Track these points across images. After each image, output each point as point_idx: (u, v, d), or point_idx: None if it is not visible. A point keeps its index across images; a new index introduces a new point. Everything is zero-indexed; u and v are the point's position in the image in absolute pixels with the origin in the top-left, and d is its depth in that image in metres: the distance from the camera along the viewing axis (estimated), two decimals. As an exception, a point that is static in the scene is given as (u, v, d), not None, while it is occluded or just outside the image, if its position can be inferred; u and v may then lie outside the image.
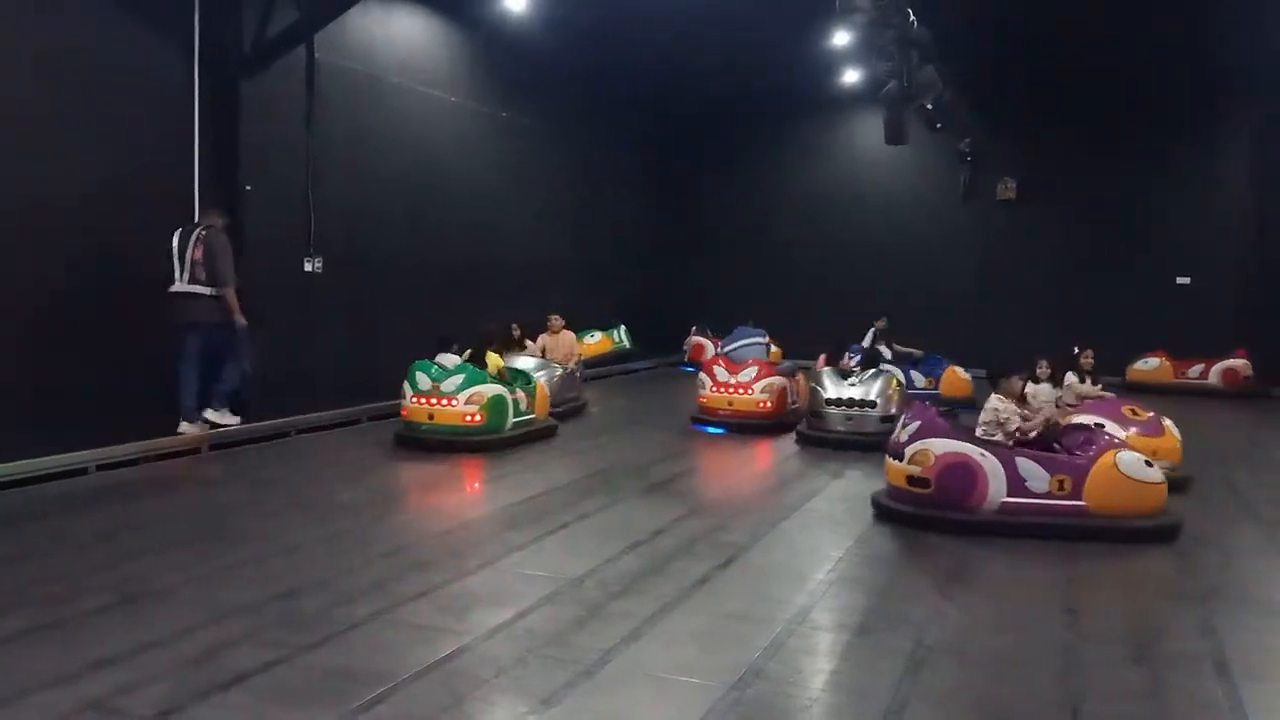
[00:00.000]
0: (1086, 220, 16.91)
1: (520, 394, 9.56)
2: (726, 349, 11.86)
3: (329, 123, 10.56)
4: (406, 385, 9.14)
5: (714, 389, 10.69)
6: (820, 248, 18.75)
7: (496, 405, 9.10)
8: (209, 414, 8.75)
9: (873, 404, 9.78)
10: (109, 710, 3.54)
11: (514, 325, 12.06)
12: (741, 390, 10.54)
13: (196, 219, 8.67)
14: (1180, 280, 16.52)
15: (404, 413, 9.17)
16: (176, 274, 8.36)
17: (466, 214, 13.17)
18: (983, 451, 6.40)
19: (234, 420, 8.92)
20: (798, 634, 4.47)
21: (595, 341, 16.48)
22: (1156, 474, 6.42)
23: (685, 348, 17.82)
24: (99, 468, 7.62)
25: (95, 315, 8.29)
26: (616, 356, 16.78)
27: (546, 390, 10.27)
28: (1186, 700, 3.89)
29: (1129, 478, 6.30)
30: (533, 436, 9.56)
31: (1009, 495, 6.32)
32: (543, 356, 11.79)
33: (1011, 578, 5.59)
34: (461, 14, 12.96)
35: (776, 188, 19.13)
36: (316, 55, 10.23)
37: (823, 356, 11.31)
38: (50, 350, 7.92)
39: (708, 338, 17.79)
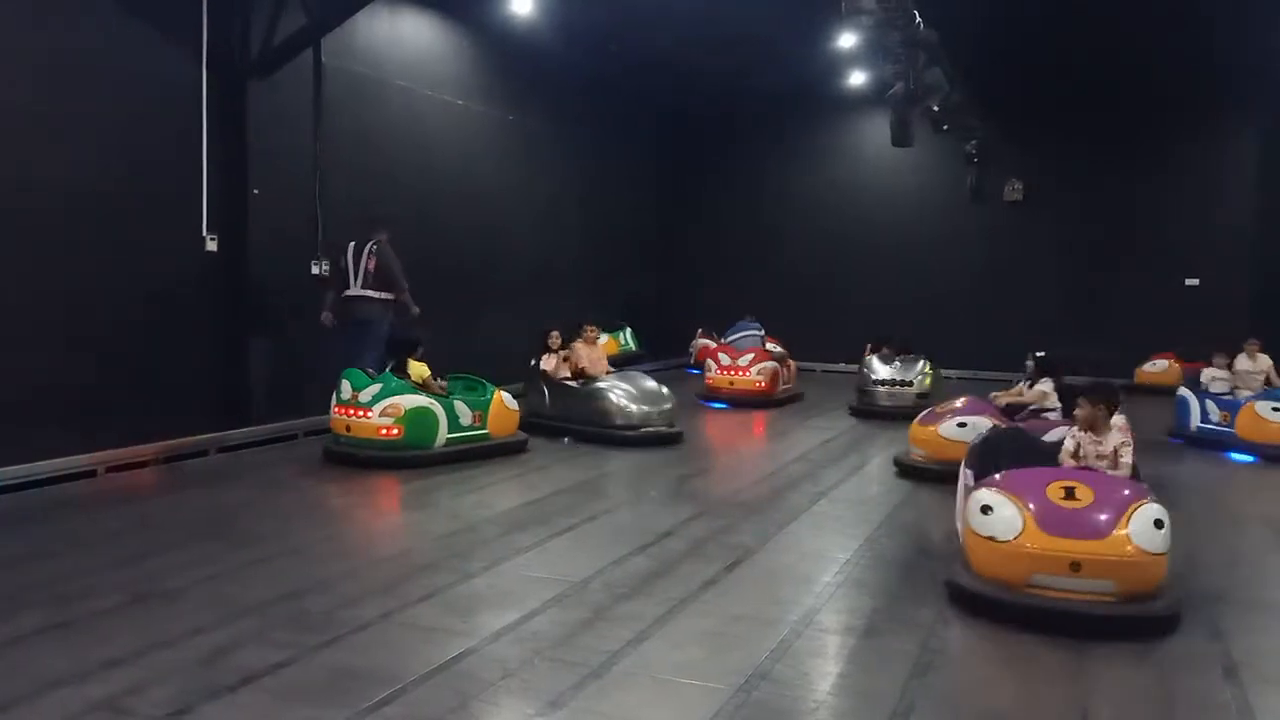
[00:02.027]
0: (1094, 221, 16.86)
1: (462, 406, 8.64)
2: (728, 339, 14.04)
3: (336, 126, 10.58)
4: (334, 393, 8.51)
5: (718, 371, 13.09)
6: (827, 249, 18.72)
7: (418, 419, 8.25)
8: None
9: (910, 383, 12.18)
10: (119, 710, 3.56)
11: (553, 333, 10.74)
12: (740, 372, 12.91)
13: (368, 235, 9.54)
14: (1189, 282, 16.46)
15: (330, 423, 8.63)
16: (350, 280, 9.48)
17: (472, 217, 13.19)
18: None
19: None
20: (805, 636, 4.47)
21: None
22: (999, 527, 4.74)
23: (691, 350, 17.83)
24: (108, 470, 7.66)
25: (105, 318, 8.32)
26: (623, 359, 16.78)
27: (510, 404, 9.18)
28: (1194, 702, 3.88)
29: (969, 525, 4.93)
30: (480, 455, 8.60)
31: None
32: (577, 369, 10.47)
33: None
34: (468, 17, 12.99)
35: (783, 189, 19.12)
36: (324, 59, 10.26)
37: (868, 346, 13.23)
38: (59, 353, 7.95)
39: (713, 340, 17.81)
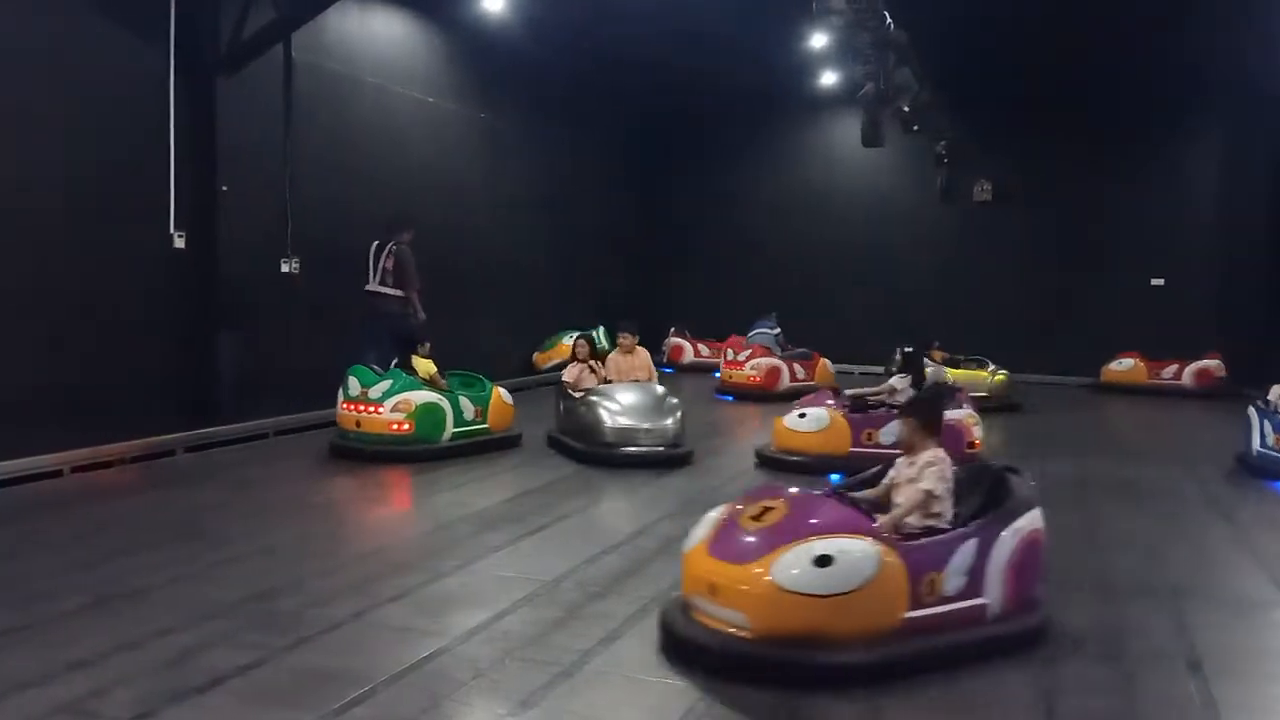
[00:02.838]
0: (1062, 222, 17.05)
1: (465, 401, 8.92)
2: (748, 336, 15.26)
3: (306, 122, 10.50)
4: (340, 390, 8.77)
5: (726, 366, 14.37)
6: (798, 248, 18.82)
7: (427, 414, 8.51)
8: None
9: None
10: (83, 713, 3.51)
11: (580, 341, 10.00)
12: (738, 367, 14.08)
13: (389, 236, 10.05)
14: (1154, 282, 16.69)
15: (338, 419, 8.85)
16: (370, 277, 9.95)
17: (445, 214, 13.12)
18: None
19: None
20: (775, 634, 4.48)
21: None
22: (687, 541, 4.36)
23: (664, 349, 17.86)
24: (73, 470, 7.56)
25: (69, 316, 8.23)
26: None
27: (507, 399, 9.42)
28: (1159, 697, 3.94)
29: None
30: (483, 448, 8.89)
31: None
32: (607, 381, 9.41)
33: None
34: (440, 14, 12.94)
35: (755, 188, 19.19)
36: (294, 55, 10.18)
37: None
38: (21, 351, 7.84)
39: (686, 339, 17.87)
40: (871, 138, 12.64)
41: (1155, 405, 14.29)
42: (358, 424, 8.51)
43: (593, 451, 8.56)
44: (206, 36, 9.33)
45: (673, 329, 18.08)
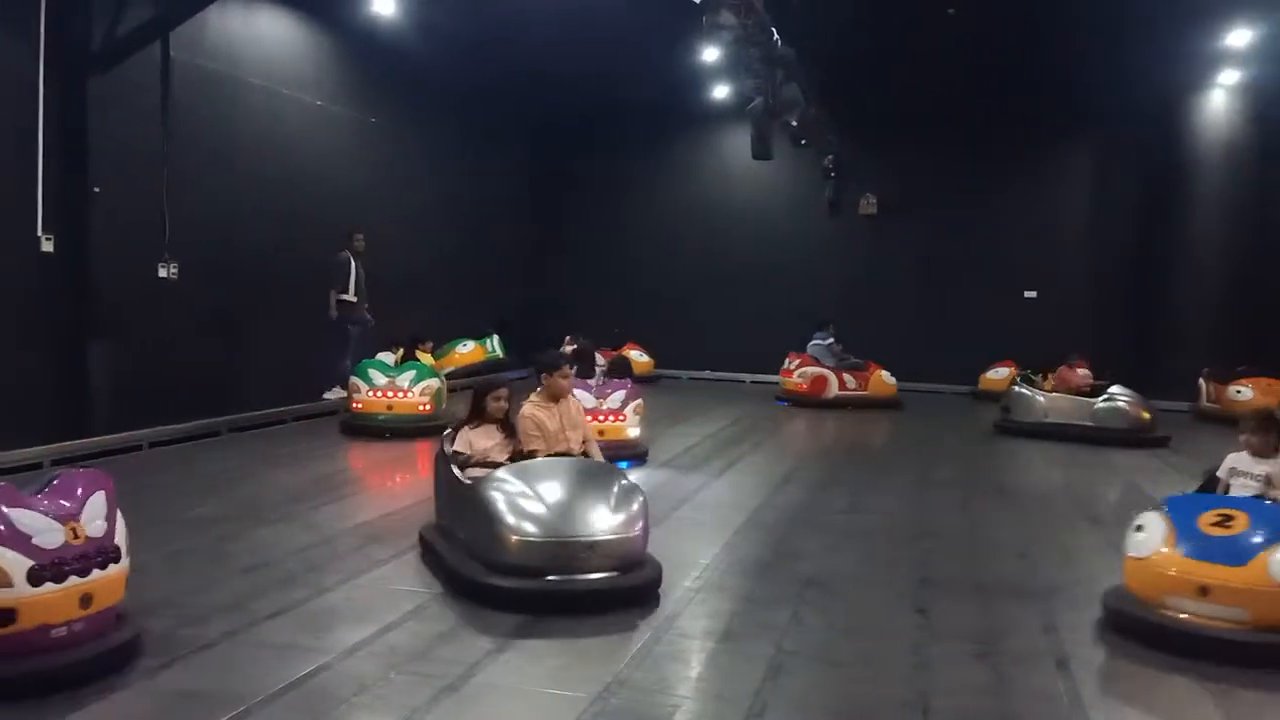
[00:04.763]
0: (942, 236, 17.57)
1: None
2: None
3: (187, 124, 10.16)
4: (359, 381, 10.44)
5: (782, 374, 15.21)
6: (692, 259, 18.95)
7: (440, 397, 10.66)
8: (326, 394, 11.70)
9: None
10: (-68, 745, 3.32)
11: (498, 391, 5.90)
12: (789, 376, 15.03)
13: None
14: (1028, 294, 17.36)
15: (356, 405, 10.46)
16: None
17: (336, 220, 12.83)
18: None
19: (341, 394, 11.36)
20: (664, 642, 4.52)
21: (468, 351, 16.34)
22: None
23: (559, 358, 17.79)
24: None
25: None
26: (490, 366, 16.64)
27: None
28: (1029, 695, 4.09)
29: None
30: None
31: None
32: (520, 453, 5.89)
33: (869, 581, 5.77)
34: (328, 16, 12.68)
35: (650, 199, 19.28)
36: (172, 54, 9.85)
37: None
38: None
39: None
40: (760, 151, 12.88)
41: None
42: (389, 407, 10.28)
43: (489, 584, 4.85)
44: (79, 33, 8.96)
45: (567, 337, 18.02)
